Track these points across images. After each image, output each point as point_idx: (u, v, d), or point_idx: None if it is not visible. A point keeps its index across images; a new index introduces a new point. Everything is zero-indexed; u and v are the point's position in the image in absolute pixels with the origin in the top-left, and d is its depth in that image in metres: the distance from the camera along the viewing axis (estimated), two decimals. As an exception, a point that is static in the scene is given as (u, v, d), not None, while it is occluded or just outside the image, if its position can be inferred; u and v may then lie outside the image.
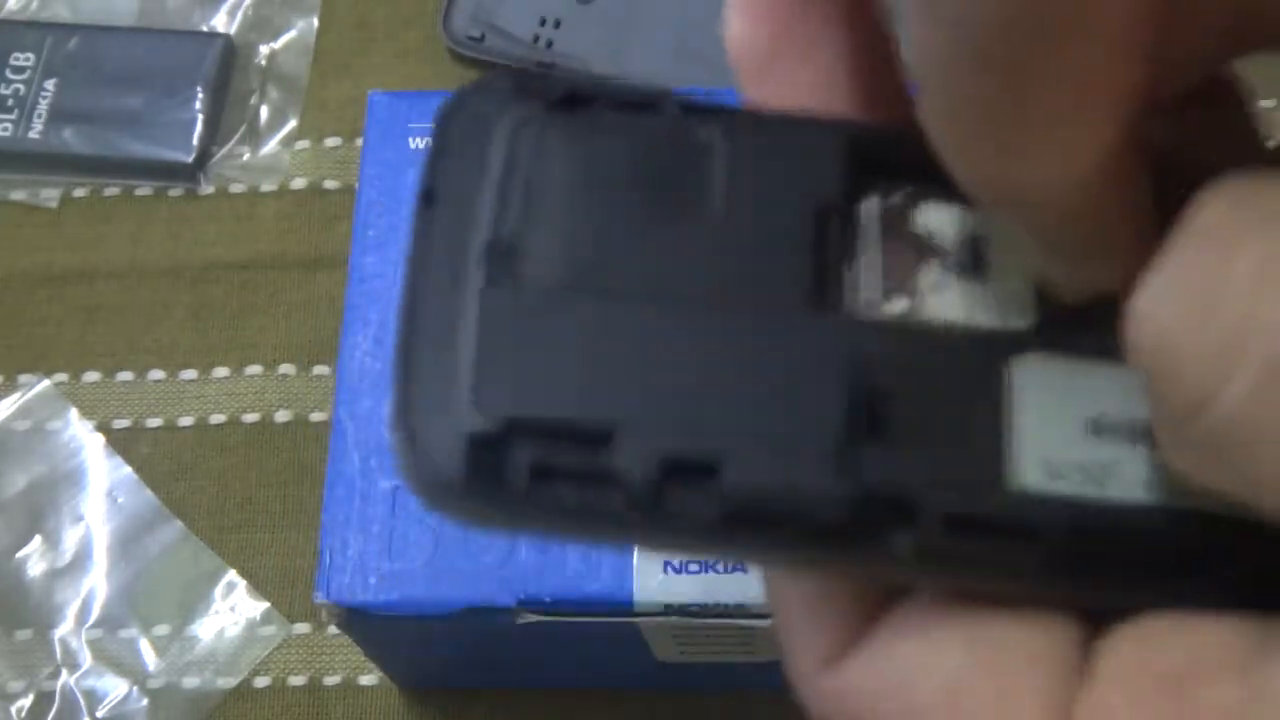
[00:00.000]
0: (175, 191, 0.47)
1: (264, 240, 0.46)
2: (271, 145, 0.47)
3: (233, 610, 0.41)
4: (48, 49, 0.48)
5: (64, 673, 0.40)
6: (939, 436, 0.18)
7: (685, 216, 0.19)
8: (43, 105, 0.47)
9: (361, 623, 0.33)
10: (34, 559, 0.42)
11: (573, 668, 0.37)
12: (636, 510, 0.18)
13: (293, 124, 0.47)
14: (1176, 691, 0.16)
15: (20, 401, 0.44)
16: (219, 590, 0.41)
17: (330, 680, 0.41)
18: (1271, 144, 0.20)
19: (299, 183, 0.47)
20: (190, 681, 0.40)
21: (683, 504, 0.18)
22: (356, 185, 0.36)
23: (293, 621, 0.41)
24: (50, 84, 0.47)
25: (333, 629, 0.39)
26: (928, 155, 0.18)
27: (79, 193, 0.47)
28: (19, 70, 0.47)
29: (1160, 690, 0.16)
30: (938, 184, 0.19)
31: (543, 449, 0.18)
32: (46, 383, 0.44)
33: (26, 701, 0.40)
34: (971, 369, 0.19)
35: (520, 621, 0.33)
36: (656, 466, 0.18)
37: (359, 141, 0.46)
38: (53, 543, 0.42)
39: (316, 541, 0.33)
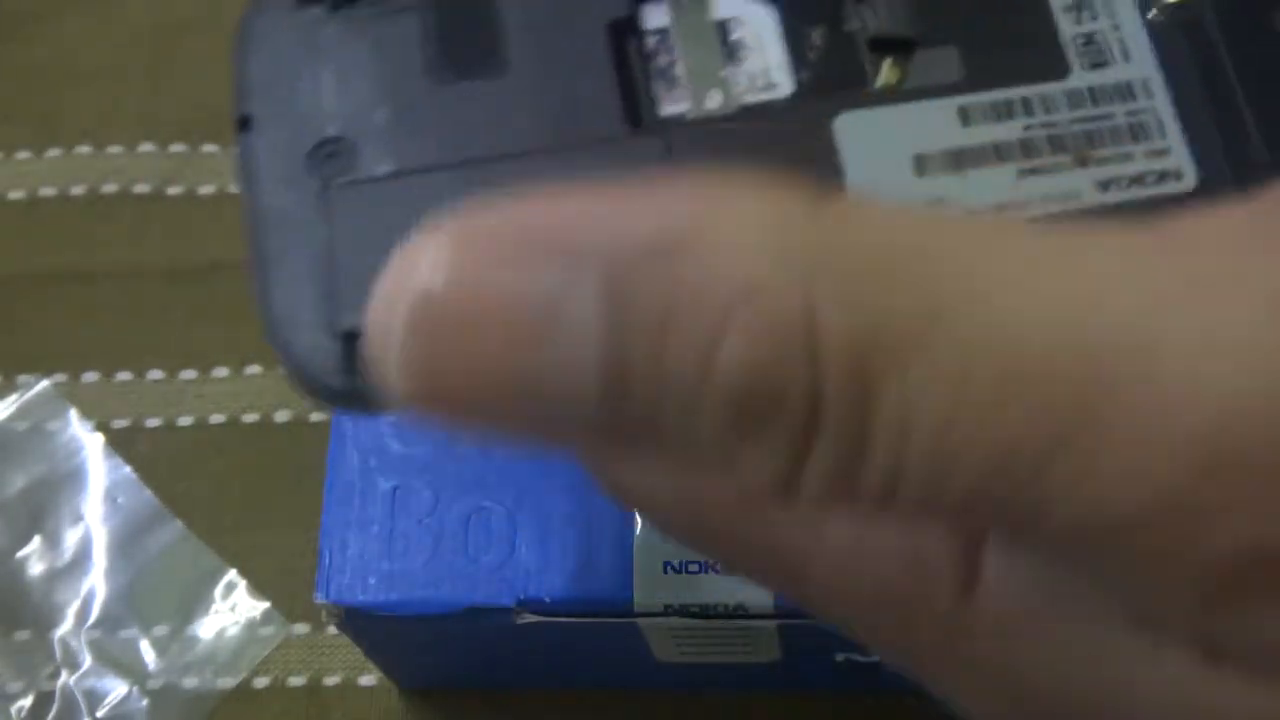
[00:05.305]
0: (175, 190, 0.46)
1: (264, 240, 0.46)
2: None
3: (233, 610, 0.41)
4: None
5: (64, 673, 0.40)
6: None
7: (489, 70, 0.20)
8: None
9: (361, 623, 0.33)
10: (34, 559, 0.42)
11: (573, 668, 0.37)
12: None
13: (292, 124, 0.47)
14: None
15: (20, 401, 0.44)
16: (219, 590, 0.41)
17: (330, 680, 0.41)
18: None
19: (299, 182, 0.46)
20: (190, 682, 0.40)
21: None
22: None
23: (293, 621, 0.41)
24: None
25: (332, 629, 0.39)
26: None
27: (77, 191, 0.47)
28: None
29: None
30: None
31: None
32: (46, 383, 0.44)
33: (26, 701, 0.40)
34: (798, 136, 0.20)
35: (520, 621, 0.33)
36: None
37: (359, 141, 0.46)
38: (53, 543, 0.42)
39: (316, 541, 0.33)
